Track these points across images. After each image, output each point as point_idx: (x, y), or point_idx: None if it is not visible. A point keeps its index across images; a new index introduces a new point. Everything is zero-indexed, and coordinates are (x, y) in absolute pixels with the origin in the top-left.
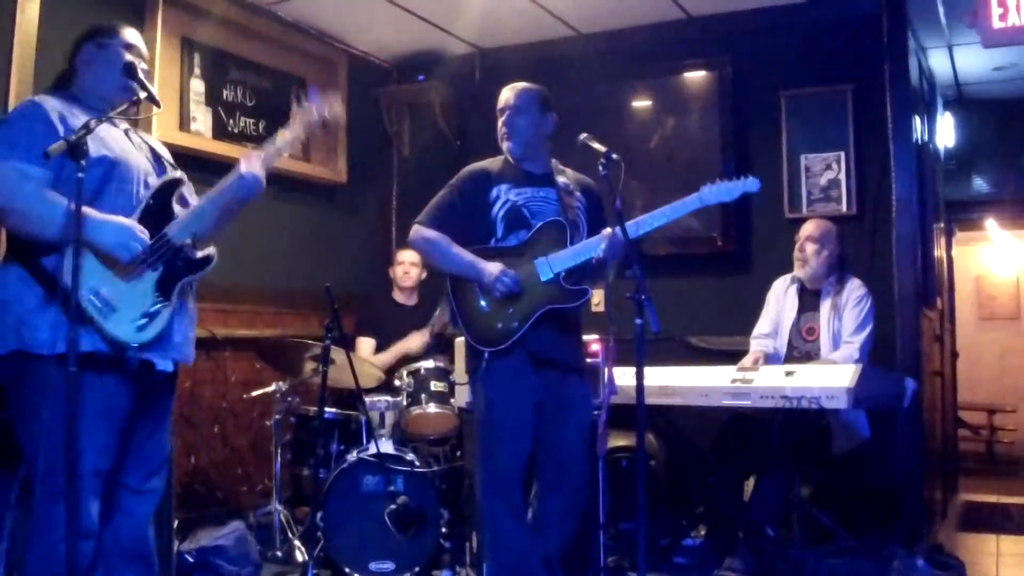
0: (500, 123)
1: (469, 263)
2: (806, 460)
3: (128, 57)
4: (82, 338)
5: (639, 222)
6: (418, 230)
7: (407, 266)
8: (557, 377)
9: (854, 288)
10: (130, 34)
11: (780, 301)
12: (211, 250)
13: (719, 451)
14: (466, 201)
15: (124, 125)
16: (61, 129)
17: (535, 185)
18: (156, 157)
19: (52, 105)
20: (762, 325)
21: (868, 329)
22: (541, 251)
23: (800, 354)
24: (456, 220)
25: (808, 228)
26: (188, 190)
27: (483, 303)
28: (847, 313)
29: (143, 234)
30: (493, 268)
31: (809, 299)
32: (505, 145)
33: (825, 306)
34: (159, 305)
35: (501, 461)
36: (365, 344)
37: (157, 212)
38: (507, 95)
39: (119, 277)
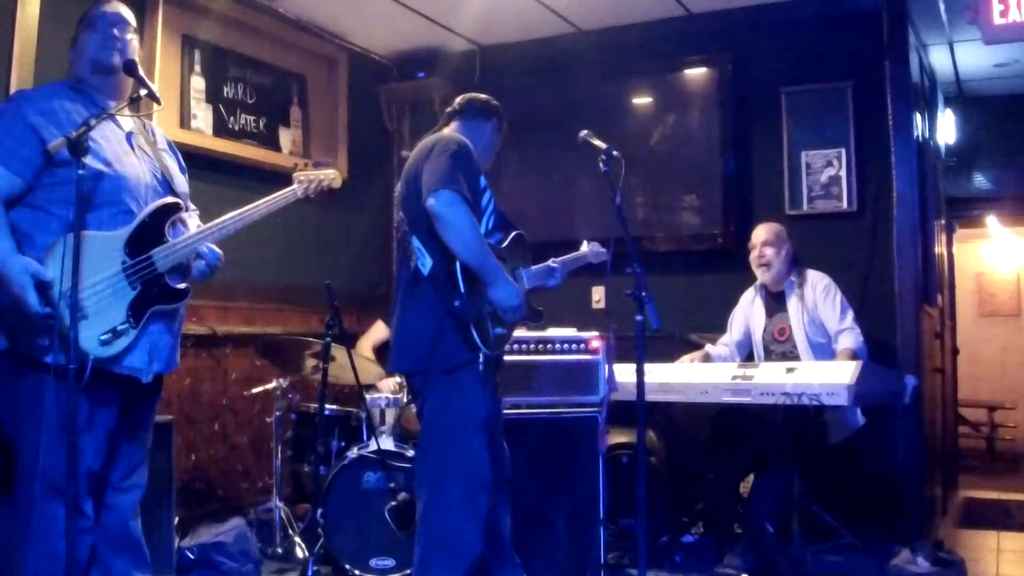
0: None
1: (496, 268)
2: (803, 453)
3: (113, 32)
4: (38, 347)
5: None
6: (455, 198)
7: None
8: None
9: (817, 280)
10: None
11: (747, 312)
12: (187, 284)
13: (711, 446)
14: (471, 178)
15: (129, 127)
16: (48, 127)
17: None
18: (161, 171)
19: (37, 105)
20: (724, 336)
21: (851, 310)
22: (518, 262)
23: (777, 356)
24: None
25: (761, 234)
26: (187, 214)
27: (489, 306)
28: (824, 306)
29: (38, 281)
30: (516, 295)
31: (773, 303)
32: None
33: (792, 302)
34: (126, 325)
35: (481, 468)
36: (378, 330)
37: (149, 231)
38: None
39: (93, 287)
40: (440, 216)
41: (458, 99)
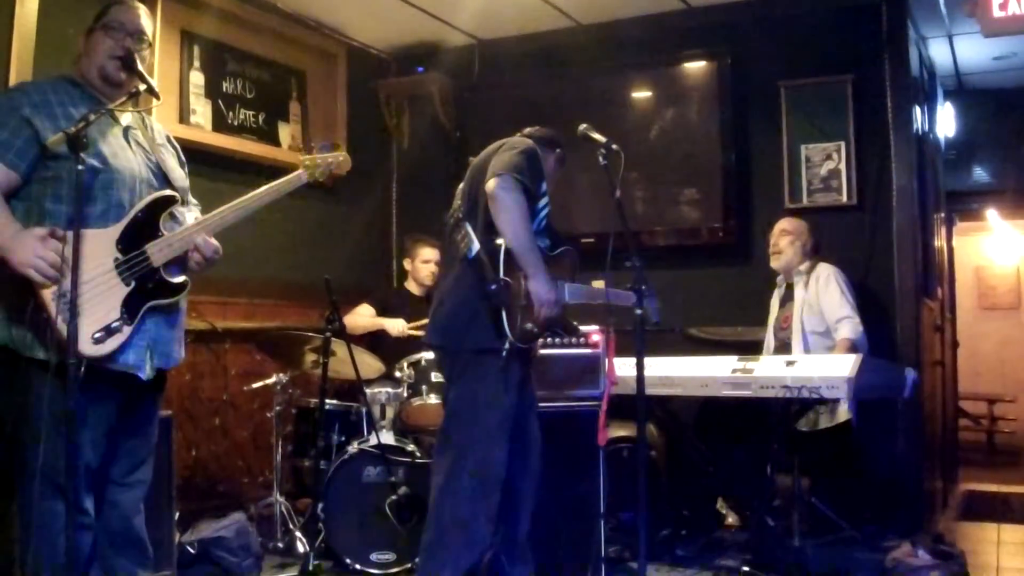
0: None
1: (538, 260)
2: (774, 436)
3: (128, 43)
4: (35, 345)
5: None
6: (515, 184)
7: (432, 265)
8: (527, 376)
9: (822, 271)
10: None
11: (772, 304)
12: (185, 277)
13: (704, 440)
14: (534, 177)
15: (127, 121)
16: (43, 120)
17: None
18: (157, 165)
19: (31, 97)
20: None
21: (851, 299)
22: (563, 273)
23: (779, 343)
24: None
25: (782, 223)
26: (183, 207)
27: (525, 298)
28: (824, 296)
29: (47, 248)
30: (553, 290)
31: (787, 293)
32: None
33: (798, 291)
34: (120, 323)
35: (498, 460)
36: (364, 309)
37: (143, 226)
38: None
39: (85, 285)
40: (497, 197)
41: (527, 128)
